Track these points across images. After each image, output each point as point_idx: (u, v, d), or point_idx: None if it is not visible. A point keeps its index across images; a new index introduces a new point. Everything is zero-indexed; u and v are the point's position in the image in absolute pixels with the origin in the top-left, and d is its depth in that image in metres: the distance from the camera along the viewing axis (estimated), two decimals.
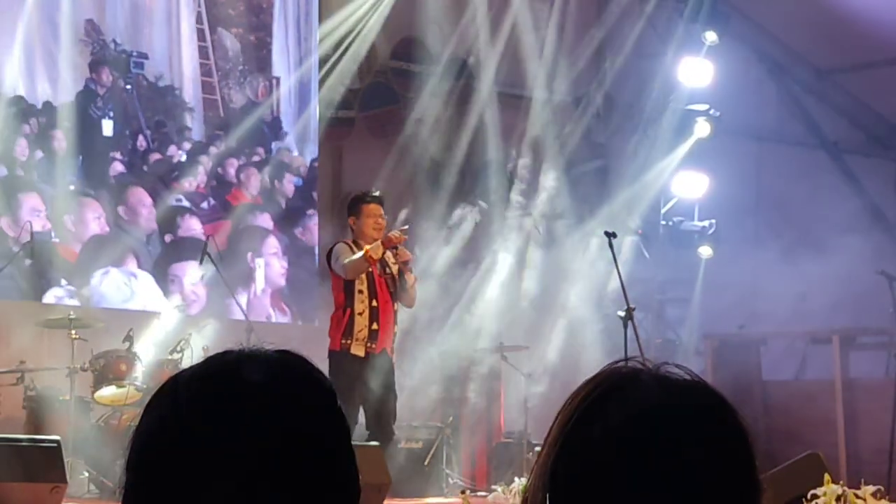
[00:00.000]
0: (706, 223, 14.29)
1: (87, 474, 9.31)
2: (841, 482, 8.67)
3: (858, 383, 11.49)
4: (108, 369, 9.67)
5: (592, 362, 12.77)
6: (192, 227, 11.91)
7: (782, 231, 12.78)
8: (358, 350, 8.92)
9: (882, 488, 8.74)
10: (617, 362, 1.63)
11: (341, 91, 12.98)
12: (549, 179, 13.79)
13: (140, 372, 9.79)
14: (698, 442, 1.54)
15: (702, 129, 14.05)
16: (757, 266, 13.03)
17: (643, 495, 1.52)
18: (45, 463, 8.14)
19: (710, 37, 14.07)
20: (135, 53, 11.77)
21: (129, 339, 9.82)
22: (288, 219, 12.63)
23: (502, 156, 13.82)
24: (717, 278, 13.92)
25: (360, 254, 8.89)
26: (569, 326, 13.10)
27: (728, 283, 13.51)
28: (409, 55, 13.38)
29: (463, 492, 9.55)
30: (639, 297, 10.30)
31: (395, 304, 9.17)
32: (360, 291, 8.99)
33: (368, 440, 8.86)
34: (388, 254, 9.08)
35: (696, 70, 14.11)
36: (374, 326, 8.97)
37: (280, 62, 12.84)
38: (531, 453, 10.93)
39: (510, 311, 12.90)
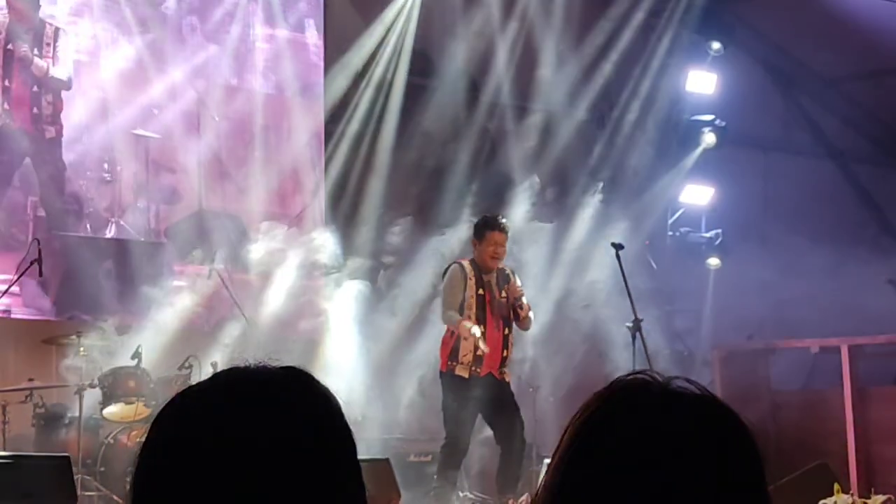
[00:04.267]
0: (713, 234, 14.29)
1: (96, 491, 9.31)
2: (851, 492, 8.68)
3: (868, 392, 11.45)
4: (117, 386, 9.66)
5: (601, 374, 12.75)
6: None
7: (790, 241, 12.75)
8: (462, 372, 9.03)
9: (892, 497, 8.74)
10: (626, 376, 1.62)
11: (352, 105, 13.00)
12: (557, 191, 13.77)
13: (148, 388, 9.78)
14: (707, 457, 1.54)
15: (708, 139, 14.06)
16: (764, 276, 13.00)
17: None
18: (55, 480, 8.14)
19: (715, 47, 14.09)
20: None
21: (137, 355, 9.82)
22: None
23: (511, 169, 13.81)
24: (724, 288, 13.90)
25: (457, 321, 8.91)
26: (578, 338, 13.06)
27: (736, 293, 13.48)
28: (419, 70, 13.37)
29: None
30: (647, 309, 10.28)
31: (507, 329, 9.16)
32: (468, 317, 9.01)
33: (501, 455, 9.05)
34: (501, 283, 9.11)
35: (701, 80, 14.11)
36: (479, 352, 8.99)
37: None
38: (540, 466, 10.92)
39: None
